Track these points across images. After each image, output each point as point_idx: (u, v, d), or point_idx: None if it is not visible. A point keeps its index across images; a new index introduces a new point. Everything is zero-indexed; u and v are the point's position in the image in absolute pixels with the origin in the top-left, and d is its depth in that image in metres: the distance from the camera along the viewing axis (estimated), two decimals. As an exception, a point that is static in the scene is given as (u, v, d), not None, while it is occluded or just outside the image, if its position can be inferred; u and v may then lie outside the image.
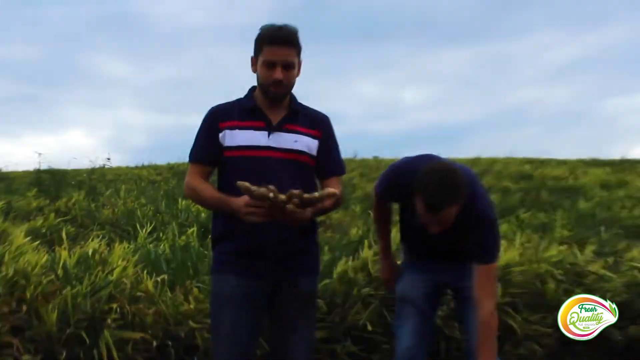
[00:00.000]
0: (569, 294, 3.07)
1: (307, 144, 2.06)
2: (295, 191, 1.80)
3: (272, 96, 2.03)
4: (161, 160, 12.68)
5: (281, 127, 2.04)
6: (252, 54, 2.07)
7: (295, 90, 2.09)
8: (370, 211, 5.76)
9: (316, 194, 1.85)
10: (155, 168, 11.68)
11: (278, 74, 1.99)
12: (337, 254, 3.69)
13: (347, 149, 12.69)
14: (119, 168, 11.50)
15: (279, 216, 1.84)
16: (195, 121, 2.12)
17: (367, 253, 3.37)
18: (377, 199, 2.46)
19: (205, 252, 3.74)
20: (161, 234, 4.62)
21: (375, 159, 13.13)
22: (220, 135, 2.04)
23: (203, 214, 5.52)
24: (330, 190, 1.89)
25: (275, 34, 1.99)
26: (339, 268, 3.27)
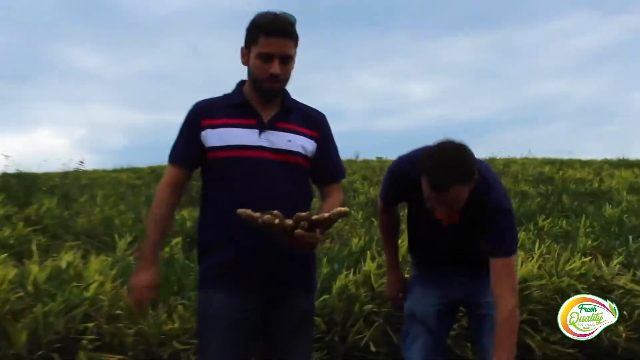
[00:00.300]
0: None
1: (301, 144, 2.06)
2: (302, 214, 1.80)
3: (267, 92, 2.03)
4: (141, 162, 12.69)
5: (273, 125, 2.04)
6: (242, 43, 2.05)
7: (288, 84, 2.09)
8: (373, 218, 5.78)
9: (325, 215, 1.84)
10: (135, 171, 11.66)
11: (275, 68, 1.98)
12: (336, 267, 3.70)
13: (347, 150, 12.72)
14: (94, 171, 11.49)
15: (287, 241, 1.84)
16: (179, 119, 2.12)
17: (370, 266, 3.38)
18: (382, 204, 2.47)
19: (191, 265, 3.74)
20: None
21: (379, 160, 13.05)
22: (203, 134, 2.03)
23: (189, 222, 5.52)
24: (342, 209, 1.87)
25: (273, 24, 1.98)
26: (339, 282, 3.27)
